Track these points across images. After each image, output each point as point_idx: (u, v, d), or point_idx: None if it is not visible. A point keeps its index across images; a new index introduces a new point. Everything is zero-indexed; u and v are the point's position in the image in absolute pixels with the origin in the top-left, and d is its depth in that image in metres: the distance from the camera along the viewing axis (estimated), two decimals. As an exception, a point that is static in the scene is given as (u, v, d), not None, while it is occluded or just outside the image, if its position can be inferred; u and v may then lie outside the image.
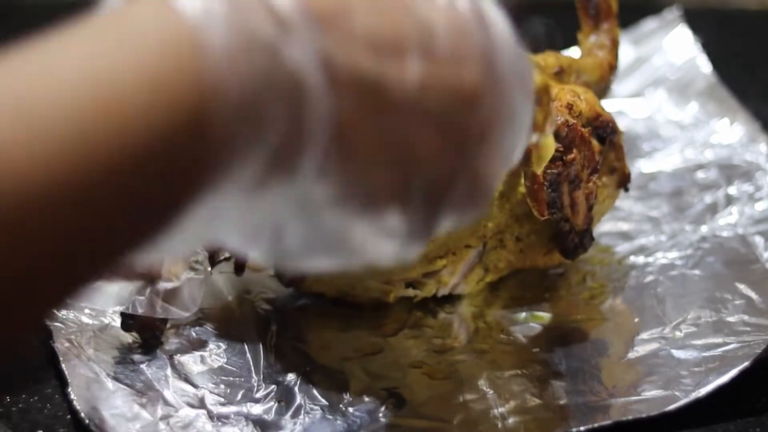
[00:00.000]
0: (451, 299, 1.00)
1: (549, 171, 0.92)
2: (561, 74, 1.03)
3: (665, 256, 1.05)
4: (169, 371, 0.89)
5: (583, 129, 0.94)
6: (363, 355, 0.94)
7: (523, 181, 0.94)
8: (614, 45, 1.11)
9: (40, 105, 0.44)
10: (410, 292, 0.98)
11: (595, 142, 0.96)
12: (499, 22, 0.60)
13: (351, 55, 0.52)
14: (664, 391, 0.87)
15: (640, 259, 1.05)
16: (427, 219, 0.59)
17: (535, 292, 1.02)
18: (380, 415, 0.87)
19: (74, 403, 0.84)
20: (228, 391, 0.88)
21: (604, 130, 0.97)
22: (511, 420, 0.86)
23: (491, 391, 0.89)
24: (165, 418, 0.84)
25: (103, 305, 0.94)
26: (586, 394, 0.88)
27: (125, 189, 0.46)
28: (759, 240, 1.05)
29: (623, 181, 1.02)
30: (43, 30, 0.48)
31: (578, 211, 0.94)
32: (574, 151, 0.93)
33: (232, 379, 0.89)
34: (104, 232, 0.46)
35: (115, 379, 0.88)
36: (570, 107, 0.95)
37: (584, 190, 0.94)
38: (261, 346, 0.93)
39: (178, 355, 0.91)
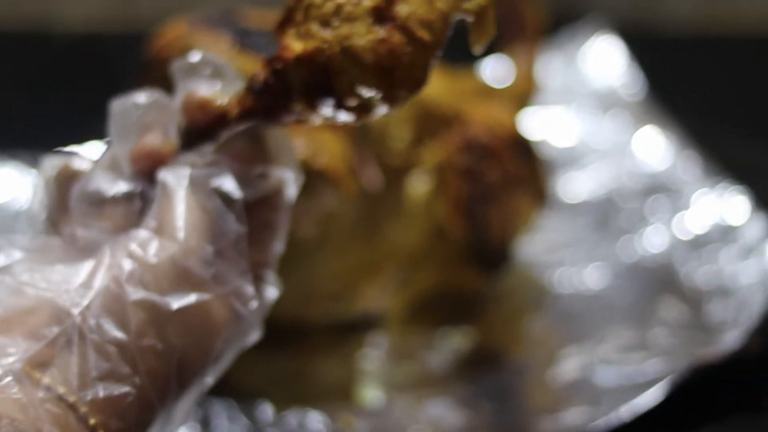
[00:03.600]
0: (374, 320, 1.00)
1: (467, 188, 0.93)
2: (481, 93, 1.04)
3: (587, 275, 1.05)
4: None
5: (501, 147, 0.95)
6: (285, 377, 0.94)
7: (442, 198, 0.95)
8: (537, 61, 1.12)
9: None
10: (331, 312, 0.98)
11: (514, 160, 0.97)
12: None
13: None
14: (588, 408, 0.87)
15: (563, 279, 1.05)
16: None
17: (457, 313, 1.02)
18: (302, 439, 0.86)
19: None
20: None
21: (524, 148, 0.98)
22: (434, 442, 0.86)
23: (415, 412, 0.89)
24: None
25: None
26: (510, 413, 0.89)
27: None
28: (682, 255, 1.05)
29: (543, 200, 1.02)
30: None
31: (497, 228, 0.95)
32: (493, 168, 0.94)
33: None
34: None
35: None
36: (488, 126, 0.95)
37: (503, 207, 0.95)
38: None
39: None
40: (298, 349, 0.97)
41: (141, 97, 0.64)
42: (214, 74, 0.64)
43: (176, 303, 0.58)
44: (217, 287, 0.59)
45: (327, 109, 0.60)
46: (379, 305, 0.99)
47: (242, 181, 0.62)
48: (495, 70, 1.12)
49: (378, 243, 0.96)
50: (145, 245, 0.58)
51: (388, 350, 0.97)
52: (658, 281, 1.03)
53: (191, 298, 0.58)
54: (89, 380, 0.55)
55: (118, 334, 0.56)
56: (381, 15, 0.58)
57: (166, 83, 0.90)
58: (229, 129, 0.62)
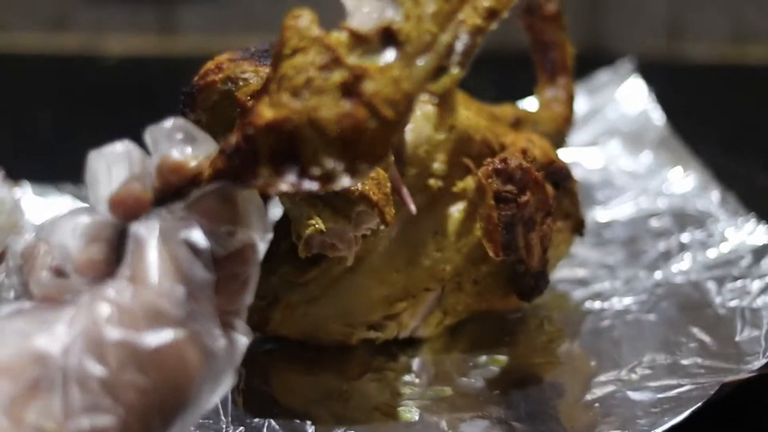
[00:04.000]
0: (412, 343, 1.02)
1: (504, 213, 0.94)
2: (517, 125, 1.06)
3: (620, 302, 1.07)
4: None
5: (537, 173, 0.96)
6: (327, 398, 0.95)
7: (478, 223, 0.96)
8: (570, 98, 1.14)
9: None
10: (372, 334, 1.00)
11: (549, 187, 0.98)
12: None
13: None
14: (622, 430, 0.88)
15: (596, 305, 1.07)
16: None
17: (494, 336, 1.03)
18: (344, 456, 0.88)
19: None
20: (196, 433, 0.89)
21: (558, 175, 1.00)
22: (472, 461, 0.87)
23: (452, 434, 0.90)
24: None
25: None
26: (545, 435, 0.90)
27: None
28: (711, 285, 1.07)
29: (578, 227, 1.05)
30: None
31: (533, 252, 0.96)
32: (528, 193, 0.95)
33: (201, 420, 0.90)
34: None
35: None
36: (524, 152, 0.97)
37: (538, 232, 0.96)
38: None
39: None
40: (340, 371, 0.98)
41: (118, 147, 0.66)
42: (186, 139, 0.66)
43: (153, 341, 0.59)
44: (190, 325, 0.61)
45: (291, 177, 0.61)
46: (418, 329, 1.01)
47: (211, 236, 0.63)
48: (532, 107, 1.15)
49: (417, 267, 0.98)
50: (121, 291, 0.60)
51: (425, 372, 0.98)
52: (690, 308, 1.05)
53: (168, 335, 0.60)
54: (73, 413, 0.57)
55: (100, 370, 0.58)
56: (348, 90, 0.59)
57: (211, 111, 0.93)
58: (199, 188, 0.64)
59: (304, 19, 0.62)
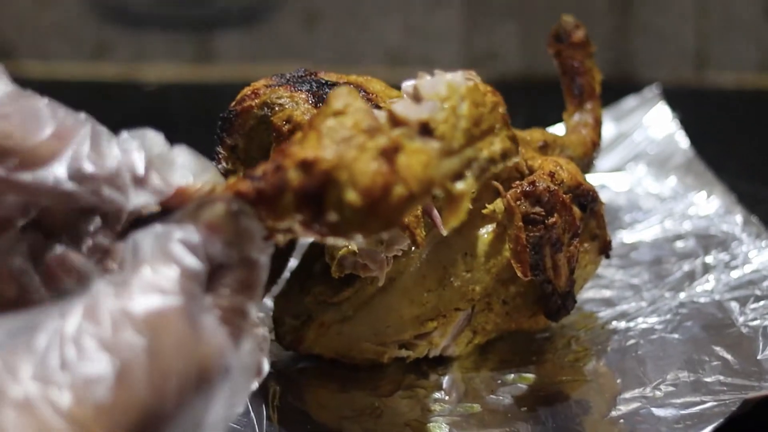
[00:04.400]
0: (443, 361, 1.04)
1: (531, 234, 0.96)
2: (545, 148, 1.08)
3: (646, 321, 1.09)
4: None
5: (564, 195, 0.99)
6: (360, 414, 0.97)
7: (507, 244, 0.98)
8: (597, 123, 1.16)
9: None
10: (403, 353, 1.02)
11: (576, 209, 1.00)
12: None
13: None
14: (646, 447, 0.91)
15: (622, 324, 1.10)
16: None
17: (522, 355, 1.06)
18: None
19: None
20: (232, 447, 0.92)
21: (585, 198, 1.02)
22: (501, 475, 0.90)
23: (482, 450, 0.93)
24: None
25: None
26: (572, 451, 0.92)
27: None
28: (734, 305, 1.09)
29: (604, 248, 1.07)
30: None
31: (560, 273, 0.98)
32: (556, 215, 0.97)
33: (237, 436, 0.93)
34: None
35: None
36: (552, 175, 0.99)
37: (566, 253, 0.98)
38: (264, 405, 0.97)
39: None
40: (372, 388, 1.01)
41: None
42: (188, 165, 0.71)
43: (144, 305, 0.61)
44: (181, 300, 0.62)
45: (307, 215, 0.64)
46: (448, 347, 1.04)
47: (209, 241, 0.65)
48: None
49: (447, 287, 1.00)
50: (117, 277, 0.62)
51: (455, 390, 1.01)
52: (713, 328, 1.06)
53: (158, 301, 0.61)
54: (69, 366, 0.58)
55: (93, 330, 0.59)
56: (385, 155, 0.64)
57: (248, 136, 0.96)
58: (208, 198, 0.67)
59: (352, 91, 0.67)
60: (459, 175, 0.67)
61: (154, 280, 0.62)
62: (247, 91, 0.97)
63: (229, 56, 2.03)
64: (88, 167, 0.69)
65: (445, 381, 1.02)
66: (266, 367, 0.71)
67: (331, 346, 1.01)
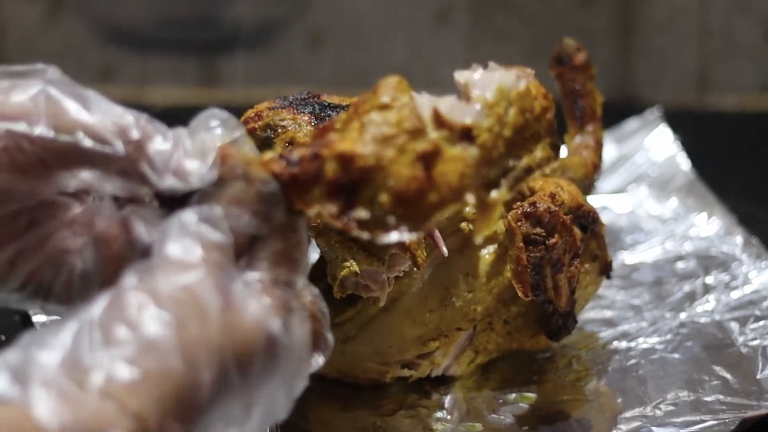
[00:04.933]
0: (445, 381, 1.05)
1: (532, 254, 0.97)
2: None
3: (646, 341, 1.10)
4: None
5: (565, 216, 0.99)
6: (362, 432, 0.98)
7: (508, 265, 0.99)
8: (598, 145, 1.17)
9: None
10: (406, 372, 1.03)
11: (576, 230, 1.01)
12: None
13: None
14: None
15: (623, 344, 1.10)
16: None
17: (524, 375, 1.06)
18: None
19: None
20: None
21: (586, 219, 1.03)
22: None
23: (483, 468, 0.93)
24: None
25: None
26: (574, 469, 0.93)
27: None
28: (734, 326, 1.10)
29: (605, 269, 1.08)
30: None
31: (561, 293, 0.99)
32: (556, 236, 0.98)
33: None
34: None
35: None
36: (553, 196, 1.00)
37: (566, 273, 0.99)
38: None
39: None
40: (375, 408, 1.01)
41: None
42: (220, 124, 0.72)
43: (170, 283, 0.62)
44: (207, 272, 0.63)
45: (336, 207, 0.65)
46: (450, 367, 1.04)
47: (231, 217, 0.66)
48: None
49: (449, 308, 1.01)
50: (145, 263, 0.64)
51: (457, 409, 1.01)
52: (713, 347, 1.07)
53: (187, 278, 0.62)
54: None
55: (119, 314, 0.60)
56: (424, 160, 0.65)
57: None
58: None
59: (401, 83, 0.68)
60: (494, 184, 0.68)
61: (176, 258, 0.63)
62: (250, 113, 0.97)
63: (234, 79, 2.04)
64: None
65: (447, 400, 1.02)
66: (329, 340, 0.72)
67: (334, 366, 1.02)
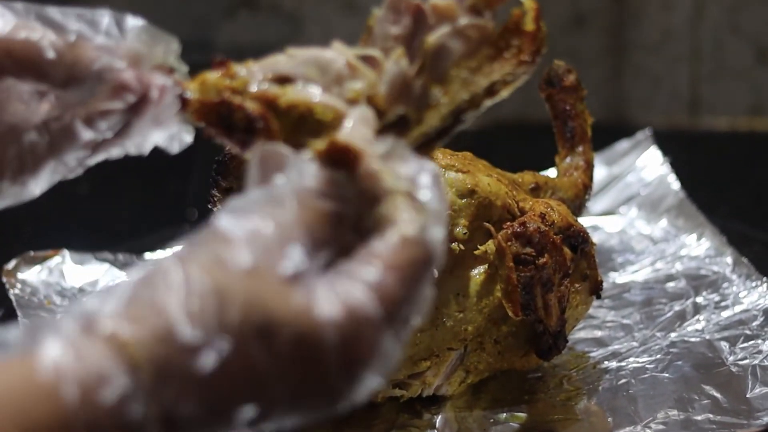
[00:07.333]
0: (436, 400, 1.05)
1: (522, 274, 0.97)
2: (537, 190, 1.10)
3: (637, 361, 1.10)
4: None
5: (555, 236, 1.00)
6: (354, 452, 0.98)
7: (499, 285, 1.00)
8: (589, 166, 1.18)
9: None
10: (397, 392, 1.03)
11: (566, 250, 1.02)
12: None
13: (188, 407, 0.59)
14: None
15: (614, 364, 1.11)
16: None
17: (515, 394, 1.07)
18: None
19: None
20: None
21: (576, 239, 1.03)
22: None
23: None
24: None
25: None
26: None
27: None
28: (724, 345, 1.11)
29: (595, 288, 1.08)
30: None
31: (551, 312, 0.99)
32: (546, 256, 0.99)
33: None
34: None
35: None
36: (543, 216, 1.01)
37: (557, 293, 1.00)
38: (257, 444, 0.98)
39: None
40: (366, 427, 1.02)
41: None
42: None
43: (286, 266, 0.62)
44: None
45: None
46: (441, 387, 1.05)
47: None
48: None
49: (440, 327, 1.01)
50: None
51: (448, 429, 1.01)
52: (704, 367, 1.07)
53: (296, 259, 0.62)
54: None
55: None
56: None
57: (242, 179, 0.97)
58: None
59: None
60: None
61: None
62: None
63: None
64: None
65: (439, 420, 1.03)
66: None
67: (325, 386, 1.02)
